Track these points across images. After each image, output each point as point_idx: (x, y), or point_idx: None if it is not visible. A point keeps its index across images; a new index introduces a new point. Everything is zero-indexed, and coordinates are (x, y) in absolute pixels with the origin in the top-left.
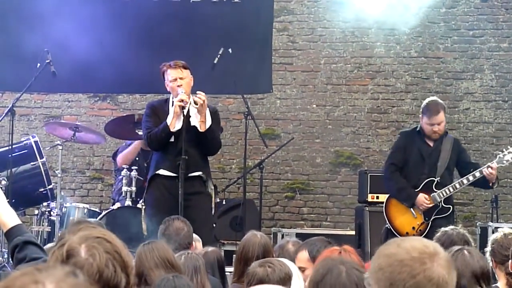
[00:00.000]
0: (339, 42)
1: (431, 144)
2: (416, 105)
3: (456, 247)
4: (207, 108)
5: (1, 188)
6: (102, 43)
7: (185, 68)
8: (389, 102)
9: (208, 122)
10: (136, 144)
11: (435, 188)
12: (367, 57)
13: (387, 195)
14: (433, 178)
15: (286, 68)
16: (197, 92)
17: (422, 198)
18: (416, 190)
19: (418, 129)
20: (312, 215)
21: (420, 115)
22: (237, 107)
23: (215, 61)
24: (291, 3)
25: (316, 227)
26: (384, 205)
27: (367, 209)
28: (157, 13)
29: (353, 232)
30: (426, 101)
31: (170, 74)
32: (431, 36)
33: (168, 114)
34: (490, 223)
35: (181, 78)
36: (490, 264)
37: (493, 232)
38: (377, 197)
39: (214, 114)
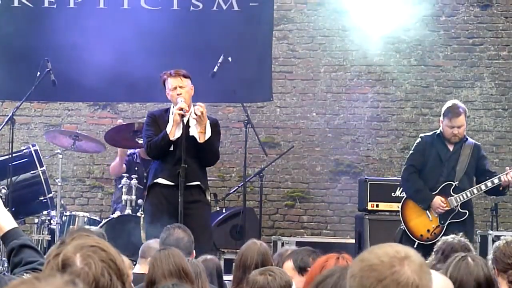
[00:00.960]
0: (339, 50)
1: (451, 148)
2: (416, 113)
3: (460, 254)
4: (208, 120)
5: (1, 196)
6: (102, 51)
7: (185, 77)
8: (389, 110)
9: (208, 133)
10: (120, 154)
11: (452, 192)
12: (367, 66)
13: (389, 203)
14: (451, 182)
15: (286, 77)
16: (197, 103)
17: (438, 201)
18: (433, 193)
19: (438, 133)
20: (312, 223)
21: (441, 118)
22: (237, 116)
23: (215, 70)
24: (291, 12)
25: (316, 235)
26: (400, 206)
27: (367, 217)
28: (156, 21)
29: (353, 241)
30: (447, 103)
31: (170, 83)
32: (430, 44)
33: (167, 124)
34: (490, 232)
35: (181, 87)
36: (493, 271)
37: (493, 241)
38: (377, 206)
39: (215, 125)
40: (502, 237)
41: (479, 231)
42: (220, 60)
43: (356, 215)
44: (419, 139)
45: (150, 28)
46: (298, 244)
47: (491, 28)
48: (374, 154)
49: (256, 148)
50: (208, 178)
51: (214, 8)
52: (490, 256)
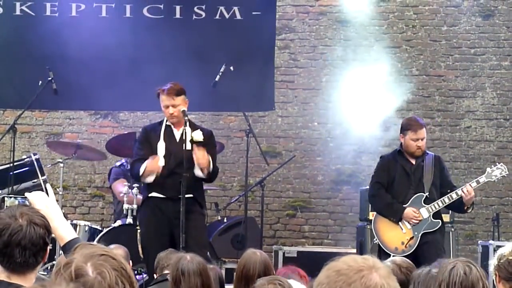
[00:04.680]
0: (340, 60)
1: (413, 162)
2: None
3: (451, 260)
4: (201, 132)
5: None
6: (104, 60)
7: (178, 94)
8: (390, 120)
9: (199, 137)
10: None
11: (424, 203)
12: (368, 75)
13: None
14: (422, 193)
15: (288, 86)
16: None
17: (410, 211)
18: (404, 206)
19: (398, 150)
20: (313, 233)
21: (401, 134)
22: (239, 125)
23: (217, 79)
24: (292, 21)
25: (318, 245)
26: (372, 221)
27: (369, 227)
28: (159, 30)
29: (354, 250)
30: (406, 118)
31: (164, 101)
32: (432, 54)
33: (159, 138)
34: (492, 242)
35: (173, 106)
36: (492, 277)
37: (494, 250)
38: None
39: (209, 138)
40: (507, 244)
41: (480, 241)
42: (222, 69)
43: (357, 225)
44: (380, 160)
45: (152, 37)
46: (299, 253)
47: (493, 38)
48: (375, 164)
49: (257, 158)
50: (210, 188)
51: (217, 17)
52: (492, 261)
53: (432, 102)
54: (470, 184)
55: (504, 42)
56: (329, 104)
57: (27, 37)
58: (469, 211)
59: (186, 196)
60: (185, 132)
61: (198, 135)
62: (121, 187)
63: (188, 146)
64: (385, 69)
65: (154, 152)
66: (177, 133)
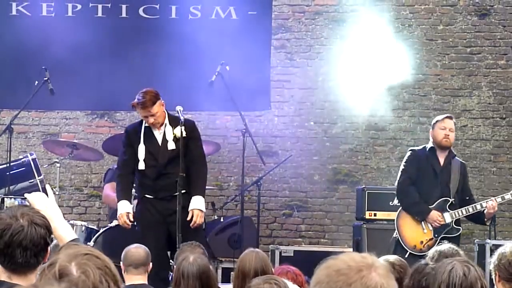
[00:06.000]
0: (337, 59)
1: (442, 161)
2: (413, 122)
3: (449, 258)
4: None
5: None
6: (100, 60)
7: (153, 104)
8: (387, 119)
9: (178, 132)
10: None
11: (448, 208)
12: (364, 74)
13: (387, 212)
14: (448, 198)
15: (284, 85)
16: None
17: (435, 214)
18: (430, 207)
19: (430, 146)
20: (310, 232)
21: (431, 130)
22: (235, 125)
23: (213, 78)
24: (288, 21)
25: (314, 244)
26: (396, 215)
27: (365, 226)
28: (155, 30)
29: (350, 249)
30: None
31: (141, 114)
32: (428, 53)
33: (139, 141)
34: (488, 241)
35: (151, 115)
36: (493, 276)
37: (491, 250)
38: (375, 214)
39: (191, 131)
40: (507, 244)
41: (477, 240)
42: (218, 69)
43: (354, 224)
44: (410, 152)
45: (149, 37)
46: (296, 253)
47: (488, 37)
48: (372, 163)
49: (254, 157)
50: (206, 187)
51: (213, 17)
52: (491, 260)
53: (428, 101)
54: (495, 199)
55: (500, 41)
56: (325, 103)
57: (23, 37)
58: (488, 223)
59: (177, 193)
60: (175, 132)
61: (178, 132)
62: (108, 189)
63: (172, 146)
64: (381, 69)
65: (136, 154)
66: (158, 134)
